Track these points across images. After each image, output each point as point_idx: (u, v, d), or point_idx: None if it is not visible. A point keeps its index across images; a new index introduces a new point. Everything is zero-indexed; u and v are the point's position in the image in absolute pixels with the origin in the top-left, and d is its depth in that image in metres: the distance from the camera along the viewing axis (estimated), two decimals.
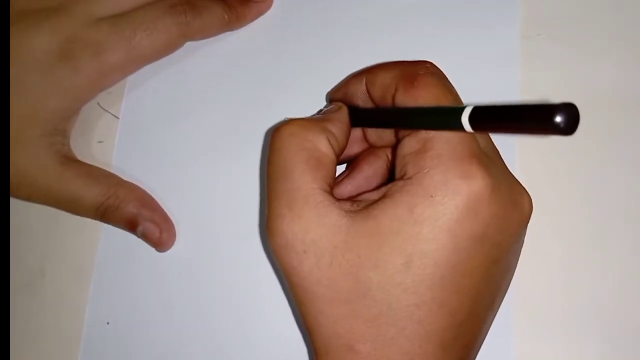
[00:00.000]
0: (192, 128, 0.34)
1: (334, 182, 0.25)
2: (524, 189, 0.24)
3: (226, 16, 0.33)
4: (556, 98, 0.30)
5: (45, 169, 0.32)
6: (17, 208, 0.35)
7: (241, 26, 0.35)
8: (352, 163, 0.29)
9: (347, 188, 0.28)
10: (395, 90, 0.24)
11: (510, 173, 0.25)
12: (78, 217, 0.33)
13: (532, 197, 0.30)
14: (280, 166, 0.24)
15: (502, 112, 0.19)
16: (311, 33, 0.34)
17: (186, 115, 0.34)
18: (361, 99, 0.27)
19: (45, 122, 0.32)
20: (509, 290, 0.29)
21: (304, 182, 0.23)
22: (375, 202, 0.23)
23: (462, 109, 0.20)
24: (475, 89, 0.31)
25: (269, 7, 0.35)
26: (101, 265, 0.33)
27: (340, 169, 0.30)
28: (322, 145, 0.24)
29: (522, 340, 0.28)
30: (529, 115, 0.18)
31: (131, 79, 0.35)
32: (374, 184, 0.28)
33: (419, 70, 0.24)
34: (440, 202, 0.21)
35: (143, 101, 0.35)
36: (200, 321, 0.32)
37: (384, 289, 0.22)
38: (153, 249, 0.33)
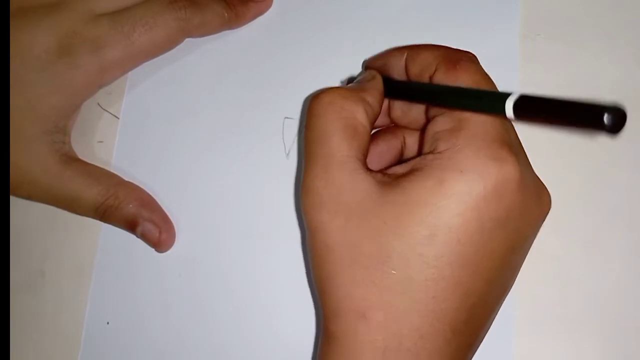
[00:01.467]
0: (192, 128, 0.34)
1: (367, 152, 0.26)
2: (545, 186, 0.25)
3: (226, 14, 0.33)
4: None
5: (45, 168, 0.32)
6: (17, 208, 0.35)
7: (240, 25, 0.35)
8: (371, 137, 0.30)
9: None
10: (436, 70, 0.25)
11: (533, 169, 0.25)
12: (78, 217, 0.33)
13: None
14: (319, 131, 0.25)
15: (548, 104, 0.19)
16: (311, 33, 0.34)
17: (186, 115, 0.34)
18: (397, 73, 0.27)
19: (45, 119, 0.32)
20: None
21: (340, 149, 0.24)
22: (405, 174, 0.23)
23: (508, 94, 0.20)
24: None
25: (268, 6, 0.35)
26: (101, 265, 0.33)
27: None
28: (359, 115, 0.25)
29: (523, 340, 0.28)
30: (578, 112, 0.18)
31: (131, 78, 0.35)
32: (385, 162, 0.29)
33: (463, 56, 0.25)
34: (471, 179, 0.22)
35: (143, 101, 0.35)
36: (200, 321, 0.32)
37: (405, 259, 0.22)
38: (153, 249, 0.33)
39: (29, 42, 0.31)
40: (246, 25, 0.35)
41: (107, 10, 0.32)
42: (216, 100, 0.34)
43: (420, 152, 0.27)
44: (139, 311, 0.32)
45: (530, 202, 0.23)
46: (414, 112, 0.28)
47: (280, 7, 0.35)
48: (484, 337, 0.25)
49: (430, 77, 0.25)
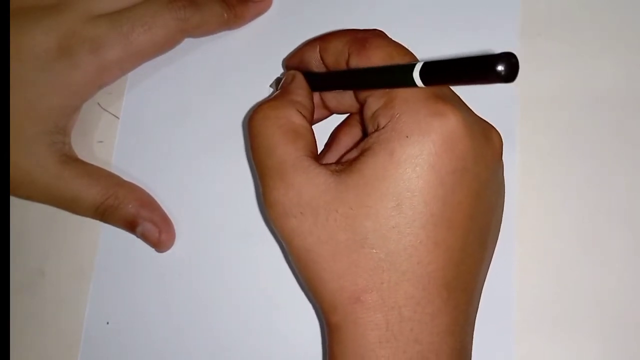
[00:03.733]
0: (192, 128, 0.34)
1: (316, 149, 0.26)
2: (491, 125, 0.25)
3: (225, 14, 0.33)
4: (556, 98, 0.31)
5: (45, 168, 0.32)
6: (17, 208, 0.35)
7: (240, 25, 0.35)
8: (329, 138, 0.31)
9: (330, 160, 0.29)
10: (349, 55, 0.25)
11: (474, 112, 0.25)
12: (78, 217, 0.33)
13: (532, 196, 0.30)
14: (263, 147, 0.25)
15: (450, 66, 0.20)
16: (311, 33, 0.34)
17: (186, 115, 0.34)
18: (315, 66, 0.28)
19: (45, 119, 0.32)
20: (509, 290, 0.29)
21: (288, 154, 0.25)
22: (357, 157, 0.24)
23: (413, 65, 0.21)
24: (475, 88, 0.31)
25: (268, 6, 0.35)
26: (101, 265, 0.33)
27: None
28: (295, 118, 0.26)
29: (523, 341, 0.28)
30: (475, 67, 0.19)
31: (131, 78, 0.35)
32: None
33: (369, 35, 0.25)
34: (417, 141, 0.22)
35: (143, 101, 0.35)
36: (200, 321, 0.32)
37: (381, 235, 0.23)
38: (153, 249, 0.33)
39: (29, 43, 0.31)
40: (246, 25, 0.35)
41: (106, 11, 0.32)
42: (216, 100, 0.34)
43: (364, 135, 0.27)
44: (139, 311, 0.32)
45: (480, 145, 0.24)
46: (347, 100, 0.28)
47: (280, 7, 0.35)
48: (481, 291, 0.26)
49: (347, 63, 0.25)
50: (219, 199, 0.33)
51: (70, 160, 0.33)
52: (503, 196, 0.27)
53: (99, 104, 0.35)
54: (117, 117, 0.35)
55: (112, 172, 0.33)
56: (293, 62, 0.30)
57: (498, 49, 0.31)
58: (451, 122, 0.22)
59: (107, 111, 0.35)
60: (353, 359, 0.23)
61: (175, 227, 0.33)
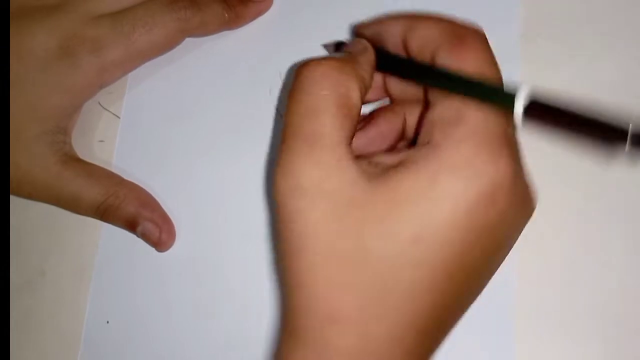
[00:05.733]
0: (193, 127, 0.34)
1: (355, 134, 0.23)
2: (533, 186, 0.23)
3: (226, 15, 0.33)
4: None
5: (46, 168, 0.32)
6: (17, 208, 0.35)
7: (240, 25, 0.35)
8: (368, 116, 0.27)
9: (359, 141, 0.26)
10: (439, 47, 0.22)
11: (523, 162, 0.23)
12: (78, 217, 0.33)
13: None
14: (308, 106, 0.22)
15: (562, 114, 0.17)
16: (311, 33, 0.34)
17: (187, 115, 0.34)
18: (392, 45, 0.24)
19: (46, 119, 0.32)
20: (508, 290, 0.29)
21: (333, 129, 0.21)
22: (395, 167, 0.21)
23: (516, 94, 0.19)
24: None
25: (268, 7, 0.35)
26: (101, 265, 0.33)
27: None
28: (354, 94, 0.22)
29: (523, 341, 0.28)
30: (596, 129, 0.16)
31: (132, 78, 0.35)
32: (387, 142, 0.26)
33: (470, 34, 0.22)
34: (463, 180, 0.20)
35: (144, 100, 0.35)
36: (200, 321, 0.32)
37: (383, 261, 0.20)
38: (153, 249, 0.33)
39: (30, 43, 0.31)
40: (246, 25, 0.35)
41: (107, 11, 0.32)
42: (217, 100, 0.34)
43: (415, 139, 0.24)
44: (139, 311, 0.32)
45: (521, 205, 0.22)
46: (413, 91, 0.25)
47: (280, 7, 0.35)
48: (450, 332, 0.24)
49: (432, 55, 0.22)
50: (219, 198, 0.33)
51: (71, 159, 0.33)
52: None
53: (100, 103, 0.35)
54: (117, 117, 0.35)
55: (112, 172, 0.33)
56: (368, 32, 0.26)
57: (498, 49, 0.31)
58: (504, 173, 0.20)
59: (108, 110, 0.35)
60: None
61: (176, 226, 0.33)
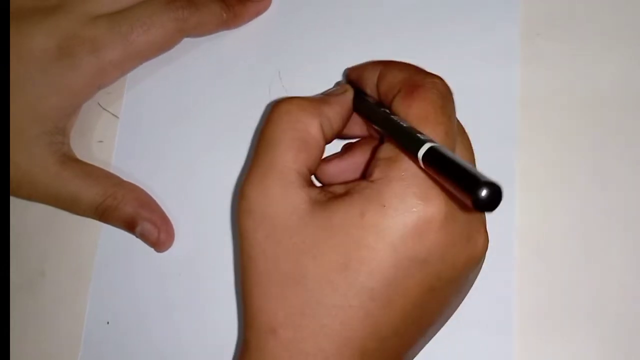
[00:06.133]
0: (192, 127, 0.34)
1: (316, 166, 0.25)
2: (484, 228, 0.24)
3: (224, 14, 0.33)
4: (556, 98, 0.31)
5: (45, 168, 0.32)
6: (17, 208, 0.35)
7: (238, 25, 0.34)
8: (348, 145, 0.29)
9: (333, 168, 0.28)
10: (397, 92, 0.24)
11: (469, 213, 0.24)
12: (78, 217, 0.33)
13: (532, 197, 0.30)
14: (268, 139, 0.25)
15: (450, 163, 0.19)
16: (309, 33, 0.34)
17: (186, 115, 0.34)
18: (370, 88, 0.27)
19: (45, 120, 0.32)
20: (509, 290, 0.29)
21: (283, 160, 0.24)
22: (338, 196, 0.23)
23: (423, 143, 0.20)
24: (475, 88, 0.31)
25: (267, 6, 0.35)
26: (101, 265, 0.33)
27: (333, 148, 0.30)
28: (313, 129, 0.25)
29: (523, 341, 0.28)
30: (466, 179, 0.18)
31: (131, 78, 0.35)
32: (360, 172, 0.28)
33: (424, 82, 0.24)
34: (390, 215, 0.22)
35: (143, 101, 0.35)
36: (200, 321, 0.32)
37: (317, 282, 0.22)
38: (152, 249, 0.33)
39: (29, 44, 0.31)
40: (245, 25, 0.35)
41: (105, 12, 0.32)
42: (216, 100, 0.34)
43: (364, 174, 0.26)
44: (139, 311, 0.32)
45: (456, 245, 0.22)
46: (379, 132, 0.27)
47: (279, 7, 0.35)
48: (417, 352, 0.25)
49: (391, 100, 0.24)
50: (218, 198, 0.33)
51: (70, 160, 0.33)
52: (465, 294, 0.26)
53: (99, 103, 0.35)
54: (116, 117, 0.35)
55: (111, 172, 0.33)
56: (353, 76, 0.28)
57: (498, 49, 0.31)
58: (433, 211, 0.21)
59: (107, 111, 0.35)
60: None
61: (175, 227, 0.33)
